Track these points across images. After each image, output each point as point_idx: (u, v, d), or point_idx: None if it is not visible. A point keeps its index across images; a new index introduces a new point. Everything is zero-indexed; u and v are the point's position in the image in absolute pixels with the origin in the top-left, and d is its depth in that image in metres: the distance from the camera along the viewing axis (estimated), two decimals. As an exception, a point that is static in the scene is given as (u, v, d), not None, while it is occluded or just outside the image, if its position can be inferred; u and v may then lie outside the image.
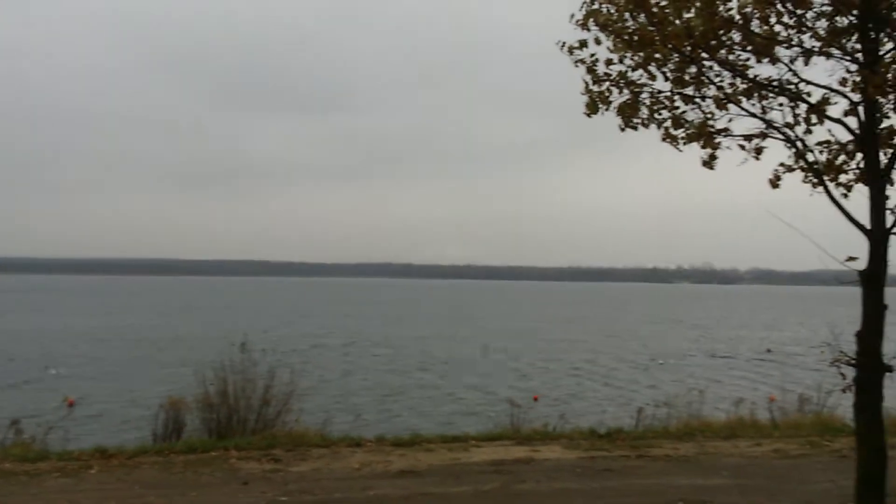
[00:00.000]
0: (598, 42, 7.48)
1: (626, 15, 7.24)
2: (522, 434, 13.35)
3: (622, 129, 7.93)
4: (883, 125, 7.11)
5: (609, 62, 7.60)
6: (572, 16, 7.49)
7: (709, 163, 7.91)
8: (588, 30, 7.49)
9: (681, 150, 7.91)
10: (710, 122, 7.68)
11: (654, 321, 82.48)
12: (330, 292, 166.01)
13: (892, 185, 7.08)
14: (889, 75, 6.71)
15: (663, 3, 7.01)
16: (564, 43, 7.58)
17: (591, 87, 7.78)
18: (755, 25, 7.15)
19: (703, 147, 7.80)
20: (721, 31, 7.08)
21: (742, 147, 7.69)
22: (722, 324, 79.02)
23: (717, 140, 7.73)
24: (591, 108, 7.84)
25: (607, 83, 7.67)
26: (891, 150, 7.01)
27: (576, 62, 7.65)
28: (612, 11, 7.30)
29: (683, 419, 15.47)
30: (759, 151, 7.71)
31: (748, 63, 7.38)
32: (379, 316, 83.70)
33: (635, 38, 7.18)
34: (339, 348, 47.19)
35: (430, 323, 73.12)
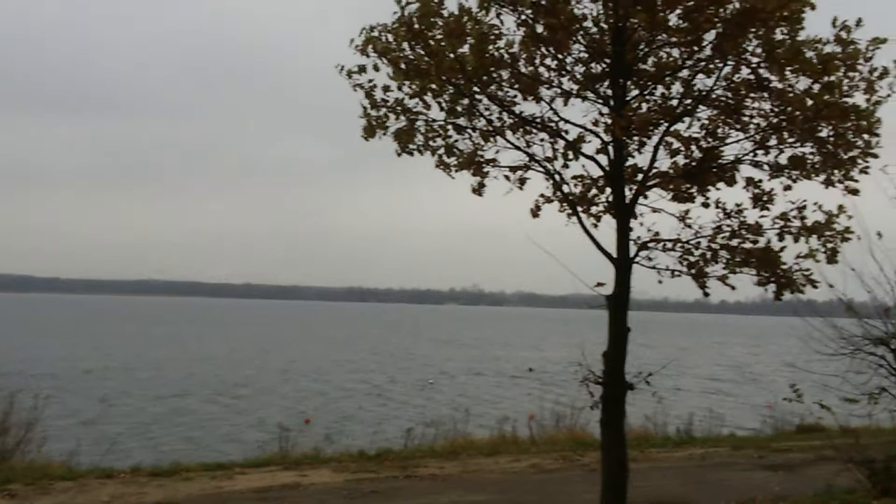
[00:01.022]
0: (376, 69, 7.60)
1: (405, 45, 7.43)
2: (291, 459, 13.10)
3: (399, 155, 8.13)
4: (628, 163, 7.86)
5: (386, 89, 7.75)
6: (352, 41, 7.56)
7: (478, 190, 8.32)
8: (367, 56, 7.58)
9: (453, 178, 8.25)
10: (480, 153, 8.07)
11: (427, 342, 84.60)
12: (91, 311, 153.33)
13: (635, 217, 7.83)
14: (634, 118, 7.43)
15: (439, 37, 7.27)
16: (343, 66, 7.62)
17: (369, 111, 7.89)
18: (522, 65, 7.64)
19: (473, 175, 8.20)
20: (491, 69, 7.48)
21: (507, 177, 8.16)
22: (489, 344, 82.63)
23: (485, 169, 8.16)
24: (369, 132, 7.95)
25: (384, 109, 7.82)
26: (635, 186, 7.74)
27: (354, 86, 7.72)
28: (391, 40, 7.45)
29: (450, 438, 15.97)
30: (522, 182, 8.23)
31: (515, 99, 7.86)
32: (144, 337, 78.52)
33: (412, 67, 7.39)
34: (97, 373, 43.57)
35: (202, 345, 69.62)
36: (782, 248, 7.62)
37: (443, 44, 7.25)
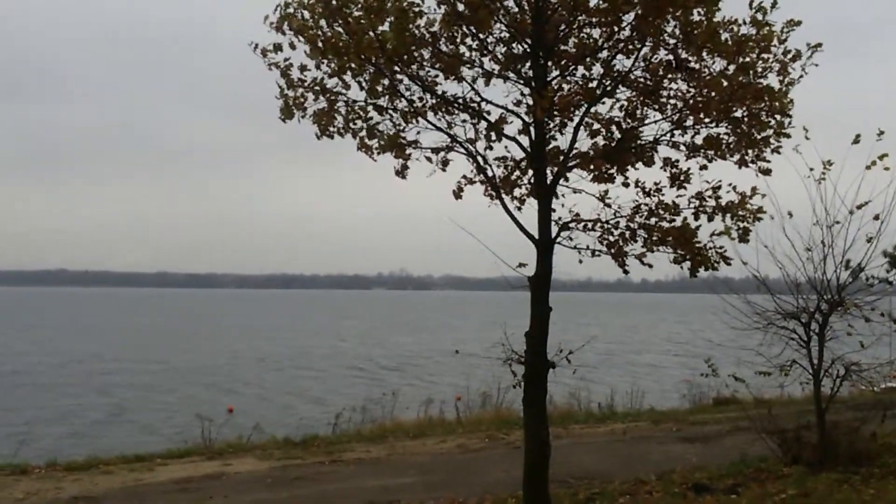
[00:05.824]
0: (293, 47, 7.37)
1: (322, 22, 7.22)
2: (214, 448, 12.87)
3: (318, 138, 7.91)
4: (550, 146, 7.86)
5: (304, 68, 7.53)
6: (266, 17, 7.31)
7: (401, 172, 8.20)
8: (283, 34, 7.35)
9: (375, 160, 8.10)
10: (402, 134, 7.93)
11: (360, 326, 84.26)
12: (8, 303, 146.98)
13: (556, 198, 7.85)
14: (555, 99, 7.43)
15: (357, 14, 7.08)
16: (257, 45, 7.38)
17: (285, 91, 7.66)
18: (443, 45, 7.53)
19: (396, 157, 8.07)
20: (412, 47, 7.35)
21: (429, 159, 8.06)
22: (416, 327, 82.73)
23: (408, 151, 8.03)
24: (286, 113, 7.72)
25: (301, 89, 7.60)
26: (556, 168, 7.76)
27: (269, 65, 7.49)
28: (308, 17, 7.23)
29: (378, 421, 15.96)
30: (445, 164, 8.14)
31: (437, 80, 7.74)
32: (57, 328, 75.77)
33: (329, 46, 7.18)
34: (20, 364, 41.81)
35: (129, 335, 67.48)
36: (697, 227, 7.77)
37: (362, 21, 7.06)
